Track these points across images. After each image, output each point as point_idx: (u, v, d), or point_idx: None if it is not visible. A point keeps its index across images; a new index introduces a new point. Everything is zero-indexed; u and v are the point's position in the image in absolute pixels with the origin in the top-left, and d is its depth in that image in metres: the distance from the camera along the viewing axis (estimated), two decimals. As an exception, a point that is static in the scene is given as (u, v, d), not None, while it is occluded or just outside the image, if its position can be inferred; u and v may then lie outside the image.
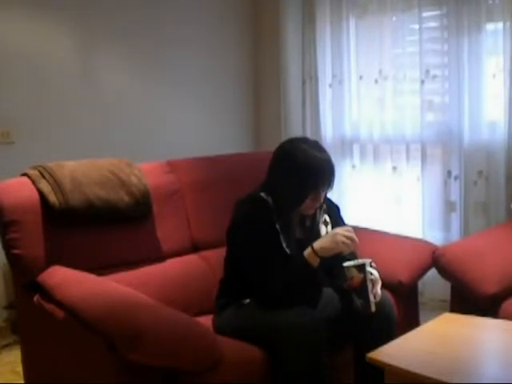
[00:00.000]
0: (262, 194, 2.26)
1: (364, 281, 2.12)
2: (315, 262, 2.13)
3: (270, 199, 2.24)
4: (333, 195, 2.45)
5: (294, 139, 2.32)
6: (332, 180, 2.22)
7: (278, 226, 2.22)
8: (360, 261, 2.15)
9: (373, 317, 2.15)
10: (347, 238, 2.12)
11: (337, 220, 2.37)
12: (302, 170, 2.17)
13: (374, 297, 2.14)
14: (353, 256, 2.22)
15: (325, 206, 2.36)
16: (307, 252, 2.15)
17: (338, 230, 2.18)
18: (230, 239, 2.32)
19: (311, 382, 2.03)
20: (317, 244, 2.15)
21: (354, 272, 2.13)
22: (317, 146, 2.26)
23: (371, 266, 2.17)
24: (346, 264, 2.15)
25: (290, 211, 2.25)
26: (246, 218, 2.24)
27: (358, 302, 2.14)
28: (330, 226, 2.33)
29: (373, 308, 2.13)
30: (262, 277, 2.17)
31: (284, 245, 2.22)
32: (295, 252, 2.21)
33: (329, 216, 2.37)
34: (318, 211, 2.33)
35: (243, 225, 2.24)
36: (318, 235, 2.27)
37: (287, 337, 2.02)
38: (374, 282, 2.15)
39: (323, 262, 2.16)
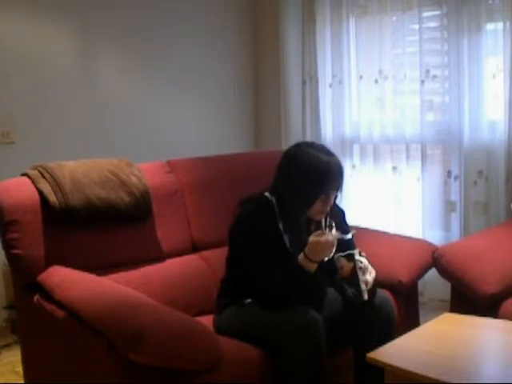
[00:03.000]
0: (266, 194, 2.26)
1: (354, 269, 2.14)
2: (310, 267, 2.12)
3: (273, 199, 2.25)
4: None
5: (301, 143, 2.31)
6: (341, 182, 2.23)
7: (281, 226, 2.22)
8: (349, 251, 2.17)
9: (366, 305, 2.15)
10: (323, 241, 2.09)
11: (342, 224, 2.36)
12: (310, 173, 2.17)
13: (366, 285, 2.15)
14: (352, 246, 2.22)
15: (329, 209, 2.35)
16: (300, 257, 2.13)
17: (311, 238, 2.11)
18: (231, 238, 2.32)
19: (311, 381, 2.02)
20: (306, 249, 2.12)
21: (344, 261, 2.15)
22: (324, 149, 2.26)
23: (360, 255, 2.18)
24: (336, 255, 2.16)
25: (299, 214, 2.24)
26: (248, 218, 2.24)
27: (350, 291, 2.16)
28: (334, 230, 2.32)
29: (365, 296, 2.14)
30: (262, 276, 2.17)
31: (287, 245, 2.22)
32: None
33: (334, 220, 2.36)
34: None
35: (245, 224, 2.24)
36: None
37: (287, 337, 2.02)
38: (363, 270, 2.16)
39: (324, 263, 2.15)
